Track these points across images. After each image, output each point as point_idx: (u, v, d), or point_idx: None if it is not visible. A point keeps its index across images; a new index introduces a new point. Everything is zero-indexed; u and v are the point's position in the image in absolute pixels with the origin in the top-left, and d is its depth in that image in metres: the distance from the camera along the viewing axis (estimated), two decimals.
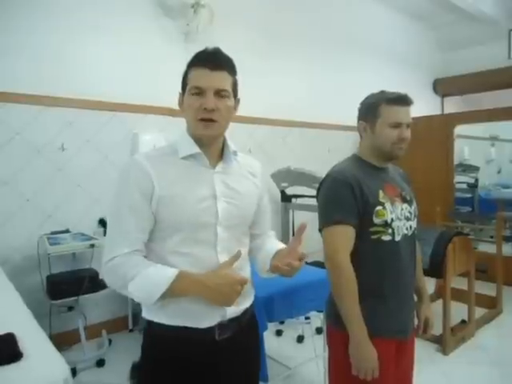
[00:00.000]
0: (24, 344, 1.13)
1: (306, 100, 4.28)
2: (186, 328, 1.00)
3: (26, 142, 2.68)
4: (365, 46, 4.95)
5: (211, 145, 1.06)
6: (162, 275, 0.95)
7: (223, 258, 1.02)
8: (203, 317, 1.01)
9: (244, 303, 1.10)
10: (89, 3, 2.90)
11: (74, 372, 2.41)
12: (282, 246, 1.16)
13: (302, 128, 4.27)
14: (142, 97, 3.15)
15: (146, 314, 1.06)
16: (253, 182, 1.15)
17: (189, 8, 3.21)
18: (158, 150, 1.09)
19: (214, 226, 1.03)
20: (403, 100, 1.31)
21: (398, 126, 1.30)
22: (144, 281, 0.94)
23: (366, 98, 1.39)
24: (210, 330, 1.02)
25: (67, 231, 2.76)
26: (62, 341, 2.63)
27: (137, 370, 2.41)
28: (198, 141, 1.04)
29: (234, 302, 0.98)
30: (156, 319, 1.03)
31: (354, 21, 4.82)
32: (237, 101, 1.10)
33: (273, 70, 3.96)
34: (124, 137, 3.11)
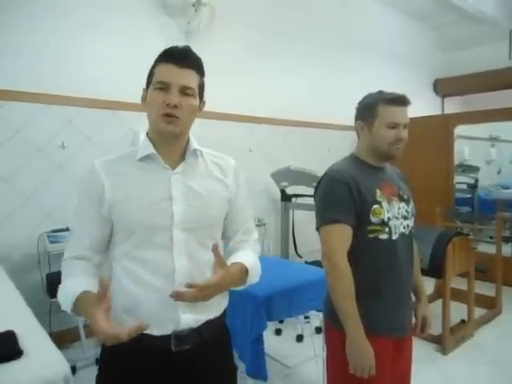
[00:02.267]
0: (24, 342, 1.13)
1: (307, 100, 4.28)
2: (141, 334, 0.87)
3: (26, 140, 2.68)
4: (365, 46, 4.95)
5: (172, 144, 1.03)
6: (68, 293, 0.94)
7: (181, 262, 0.98)
8: (155, 322, 0.95)
9: (206, 314, 1.02)
10: (89, 1, 2.90)
11: (73, 370, 2.41)
12: (242, 259, 1.05)
13: (302, 127, 4.27)
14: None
15: None
16: (222, 183, 1.08)
17: (190, 7, 3.21)
18: (118, 154, 1.07)
19: (169, 229, 0.98)
20: (401, 100, 1.31)
21: (395, 126, 1.30)
22: (60, 294, 0.96)
23: (364, 98, 1.39)
24: (165, 338, 0.96)
25: (67, 229, 2.75)
26: (62, 339, 2.63)
27: None
28: (160, 139, 1.02)
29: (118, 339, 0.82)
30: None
31: (355, 21, 4.82)
32: (202, 103, 1.07)
33: (273, 70, 3.95)
34: (124, 135, 3.11)
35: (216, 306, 1.05)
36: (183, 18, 3.29)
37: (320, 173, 1.42)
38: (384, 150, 1.33)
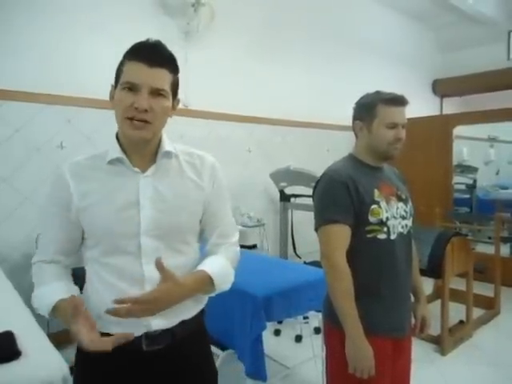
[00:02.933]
0: (23, 342, 1.13)
1: (306, 100, 4.28)
2: (108, 335, 0.90)
3: (24, 140, 2.67)
4: (364, 46, 4.96)
5: (142, 147, 0.96)
6: (44, 301, 0.94)
7: (150, 269, 0.92)
8: (126, 325, 0.90)
9: (178, 317, 0.99)
10: (88, 1, 2.90)
11: (71, 370, 2.40)
12: (207, 267, 1.00)
13: (301, 128, 4.27)
14: None
15: None
16: (195, 184, 1.01)
17: (189, 7, 3.21)
18: (89, 154, 1.01)
19: (137, 237, 0.93)
20: (399, 101, 1.32)
21: (394, 126, 1.31)
22: (36, 299, 0.97)
23: (362, 98, 1.39)
24: (135, 339, 0.91)
25: None
26: (61, 339, 2.60)
27: None
28: (129, 142, 0.96)
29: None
30: None
31: (355, 21, 4.82)
32: (176, 101, 0.99)
33: (272, 70, 3.95)
34: None
35: (187, 310, 1.01)
36: (182, 18, 3.29)
37: (319, 173, 1.42)
38: (383, 150, 1.33)
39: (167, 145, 1.00)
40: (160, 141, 1.00)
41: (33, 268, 1.01)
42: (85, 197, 0.94)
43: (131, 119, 0.90)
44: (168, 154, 1.00)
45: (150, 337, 0.96)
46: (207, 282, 0.98)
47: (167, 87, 0.93)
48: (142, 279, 0.94)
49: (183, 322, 1.00)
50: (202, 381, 1.07)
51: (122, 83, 0.91)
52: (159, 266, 0.88)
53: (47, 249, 1.01)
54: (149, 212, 0.94)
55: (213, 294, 1.04)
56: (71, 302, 0.86)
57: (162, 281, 0.89)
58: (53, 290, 0.94)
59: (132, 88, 0.89)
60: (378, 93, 1.35)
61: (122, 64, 0.94)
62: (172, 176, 0.99)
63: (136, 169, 0.96)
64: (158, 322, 0.95)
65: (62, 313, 0.90)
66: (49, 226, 1.01)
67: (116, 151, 0.96)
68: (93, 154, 1.01)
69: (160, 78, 0.91)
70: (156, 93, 0.91)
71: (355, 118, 1.40)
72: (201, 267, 0.99)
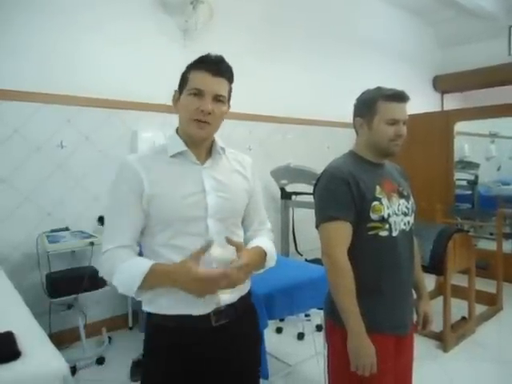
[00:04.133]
0: (23, 342, 1.13)
1: (306, 97, 4.26)
2: (183, 316, 1.05)
3: (24, 140, 2.67)
4: (364, 42, 4.93)
5: (200, 144, 1.12)
6: (136, 269, 1.00)
7: (215, 249, 1.05)
8: (198, 304, 1.04)
9: (237, 292, 1.12)
10: (87, 1, 2.88)
11: (74, 370, 2.41)
12: (260, 244, 1.16)
13: (301, 125, 4.26)
14: (140, 94, 3.13)
15: (145, 306, 1.10)
16: (243, 177, 1.19)
17: (188, 4, 3.19)
18: (150, 150, 1.14)
19: (205, 220, 1.07)
20: (400, 97, 1.30)
21: (395, 122, 1.30)
22: (122, 275, 1.01)
23: (362, 94, 1.38)
24: (206, 316, 1.06)
25: (66, 229, 2.76)
26: (62, 339, 2.63)
27: (137, 368, 2.41)
28: (189, 139, 1.10)
29: (216, 292, 1.02)
30: (154, 310, 1.08)
31: (354, 18, 4.80)
32: (228, 106, 1.15)
33: (272, 67, 3.94)
34: (123, 134, 3.10)
35: (244, 286, 1.15)
36: (181, 16, 3.28)
37: (319, 170, 1.41)
38: (384, 146, 1.32)
39: (220, 142, 1.17)
40: (213, 139, 1.16)
41: (106, 254, 1.04)
42: (154, 185, 1.04)
43: (197, 121, 1.05)
44: (221, 150, 1.16)
45: (217, 313, 1.08)
46: (263, 256, 1.15)
47: (226, 94, 1.10)
48: (209, 258, 1.05)
49: (241, 298, 1.14)
50: (256, 350, 1.23)
51: (190, 89, 1.05)
52: (230, 241, 1.05)
53: (122, 235, 1.05)
54: (213, 198, 1.08)
55: (261, 271, 1.18)
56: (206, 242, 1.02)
57: (239, 250, 1.05)
58: (141, 260, 1.03)
59: (198, 94, 1.04)
60: (378, 89, 1.34)
61: (187, 72, 1.08)
62: (224, 168, 1.16)
63: (197, 161, 1.10)
64: (225, 298, 1.08)
65: (160, 273, 1.00)
66: (124, 214, 1.05)
67: (180, 146, 1.09)
68: (151, 149, 1.14)
69: (221, 85, 1.07)
70: (217, 99, 1.06)
71: (356, 114, 1.39)
72: (254, 244, 1.15)
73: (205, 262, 1.03)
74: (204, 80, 1.04)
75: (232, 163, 1.19)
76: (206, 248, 1.01)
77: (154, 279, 1.00)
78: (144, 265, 1.00)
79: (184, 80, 1.09)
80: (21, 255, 2.65)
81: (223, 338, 1.09)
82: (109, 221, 1.09)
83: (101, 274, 1.08)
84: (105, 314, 3.01)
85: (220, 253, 1.07)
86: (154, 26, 3.23)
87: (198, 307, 1.05)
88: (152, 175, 1.05)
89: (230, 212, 1.12)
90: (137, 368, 2.42)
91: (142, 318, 1.18)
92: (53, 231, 2.68)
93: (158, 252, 1.06)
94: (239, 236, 1.18)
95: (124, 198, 1.05)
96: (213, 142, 1.16)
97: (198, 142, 1.10)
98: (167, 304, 1.05)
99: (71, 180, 2.88)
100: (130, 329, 3.07)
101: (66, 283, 2.46)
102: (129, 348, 2.74)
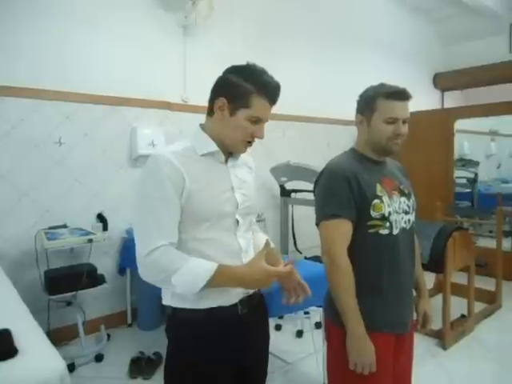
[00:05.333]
0: (20, 340, 1.12)
1: (306, 94, 4.25)
2: (212, 308, 1.09)
3: (22, 136, 2.65)
4: (365, 39, 4.92)
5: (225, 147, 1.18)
6: (202, 269, 1.03)
7: (242, 242, 1.16)
8: (229, 296, 1.11)
9: None
10: None
11: (72, 367, 2.40)
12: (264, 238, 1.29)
13: (301, 122, 4.25)
14: (140, 91, 3.12)
15: (171, 302, 1.12)
16: (252, 176, 1.29)
17: (187, 0, 3.17)
18: (178, 148, 1.13)
19: (234, 215, 1.14)
20: (401, 95, 1.28)
21: (394, 121, 1.27)
22: (186, 275, 1.02)
23: (365, 91, 1.36)
24: (234, 306, 1.13)
25: (65, 226, 2.75)
26: (61, 336, 2.63)
27: (136, 365, 2.41)
28: (224, 147, 1.16)
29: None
30: (181, 305, 1.11)
31: (354, 14, 4.78)
32: None
33: (272, 64, 3.86)
34: (122, 131, 3.08)
35: None
36: (180, 12, 3.25)
37: (319, 168, 1.40)
38: (382, 144, 1.30)
39: None
40: None
41: (160, 250, 1.02)
42: (193, 181, 1.08)
43: (247, 142, 1.15)
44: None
45: (243, 302, 1.15)
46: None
47: None
48: (239, 250, 1.14)
49: (256, 291, 1.21)
50: (268, 337, 1.32)
51: (252, 116, 1.11)
52: (268, 245, 1.12)
53: (173, 233, 1.06)
54: (240, 195, 1.16)
55: None
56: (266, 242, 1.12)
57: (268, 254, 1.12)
58: (203, 261, 1.06)
59: (256, 121, 1.12)
60: (380, 86, 1.32)
61: (246, 91, 1.10)
62: (242, 167, 1.24)
63: (223, 161, 1.17)
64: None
65: (226, 275, 1.05)
66: (171, 210, 1.06)
67: (211, 146, 1.14)
68: (180, 148, 1.12)
69: (270, 113, 1.17)
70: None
71: (357, 111, 1.38)
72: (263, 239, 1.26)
73: (235, 253, 1.13)
74: (266, 110, 1.13)
75: (244, 163, 1.27)
76: (267, 248, 1.08)
77: (218, 280, 1.03)
78: (208, 267, 1.03)
79: (241, 97, 1.10)
80: (19, 252, 2.64)
81: (245, 324, 1.15)
82: (149, 218, 1.05)
83: (147, 275, 1.04)
84: (103, 311, 3.01)
85: (244, 245, 1.17)
86: (153, 22, 3.21)
87: (229, 297, 1.11)
88: (190, 171, 1.08)
89: (250, 208, 1.20)
90: (135, 365, 2.42)
91: (165, 313, 1.17)
92: (51, 228, 2.67)
93: (196, 245, 1.09)
94: (254, 231, 1.31)
95: (165, 193, 1.04)
96: None
97: (238, 154, 1.20)
98: (198, 299, 1.08)
99: (70, 177, 2.87)
100: (129, 326, 3.07)
101: (64, 280, 2.46)
102: (127, 345, 2.74)
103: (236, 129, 1.11)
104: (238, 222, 1.15)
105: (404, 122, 1.29)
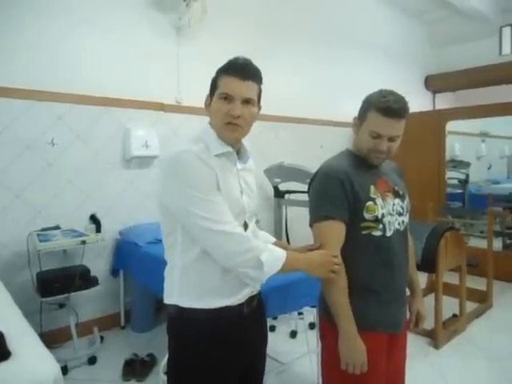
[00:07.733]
0: (13, 343, 1.11)
1: (299, 95, 4.27)
2: (221, 308, 1.11)
3: (14, 137, 2.63)
4: (357, 42, 4.95)
5: (233, 146, 1.17)
6: (278, 251, 1.11)
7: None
8: (241, 294, 1.14)
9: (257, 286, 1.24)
10: None
11: (65, 369, 2.38)
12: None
13: (294, 123, 4.26)
14: (133, 92, 3.11)
15: (178, 301, 1.12)
16: (253, 177, 1.29)
17: (181, 1, 3.17)
18: (194, 147, 1.10)
19: (244, 216, 1.17)
20: (391, 112, 1.21)
21: (377, 136, 1.24)
22: (272, 254, 1.09)
23: (368, 96, 1.31)
24: (241, 305, 1.16)
25: (58, 227, 2.73)
26: (54, 338, 2.61)
27: (129, 367, 2.40)
28: (224, 142, 1.14)
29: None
30: (189, 305, 1.11)
31: (347, 17, 4.81)
32: (259, 107, 1.19)
33: (266, 65, 3.87)
34: (115, 132, 3.07)
35: None
36: (174, 13, 3.25)
37: (313, 169, 1.40)
38: (364, 154, 1.30)
39: (247, 146, 1.23)
40: (241, 141, 1.21)
41: (236, 229, 1.07)
42: (220, 180, 1.09)
43: (227, 124, 1.10)
44: (248, 154, 1.23)
45: (247, 302, 1.18)
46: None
47: (255, 96, 1.13)
48: None
49: (258, 292, 1.25)
50: (267, 335, 1.35)
51: (220, 94, 1.09)
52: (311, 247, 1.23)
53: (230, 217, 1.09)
54: (246, 197, 1.18)
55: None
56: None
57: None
58: (273, 246, 1.16)
59: (227, 98, 1.09)
60: (379, 94, 1.26)
61: (216, 77, 1.13)
62: (248, 171, 1.24)
63: (233, 163, 1.17)
64: (257, 286, 1.21)
65: (296, 257, 1.16)
66: (220, 197, 1.08)
67: (225, 147, 1.13)
68: (198, 148, 1.09)
69: (249, 89, 1.11)
70: (246, 101, 1.10)
71: (358, 112, 1.35)
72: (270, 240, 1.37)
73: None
74: (232, 84, 1.08)
75: (250, 164, 1.27)
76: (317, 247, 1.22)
77: (291, 261, 1.11)
78: (280, 250, 1.12)
79: (214, 85, 1.13)
80: (11, 254, 2.62)
81: (248, 323, 1.18)
82: (207, 205, 1.05)
83: (232, 244, 1.05)
84: (96, 313, 2.99)
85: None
86: (147, 23, 3.20)
87: (237, 296, 1.14)
88: (215, 170, 1.09)
89: (253, 211, 1.24)
90: (129, 367, 2.41)
91: (167, 312, 1.18)
92: (44, 230, 2.65)
93: (199, 249, 1.11)
94: (256, 230, 1.35)
95: (212, 184, 1.07)
96: (240, 145, 1.22)
97: (230, 144, 1.15)
98: (208, 300, 1.10)
99: (62, 178, 2.85)
100: (123, 328, 3.05)
101: (57, 282, 2.43)
102: (121, 347, 2.73)
103: (215, 114, 1.12)
104: (247, 224, 1.17)
105: (390, 139, 1.25)
